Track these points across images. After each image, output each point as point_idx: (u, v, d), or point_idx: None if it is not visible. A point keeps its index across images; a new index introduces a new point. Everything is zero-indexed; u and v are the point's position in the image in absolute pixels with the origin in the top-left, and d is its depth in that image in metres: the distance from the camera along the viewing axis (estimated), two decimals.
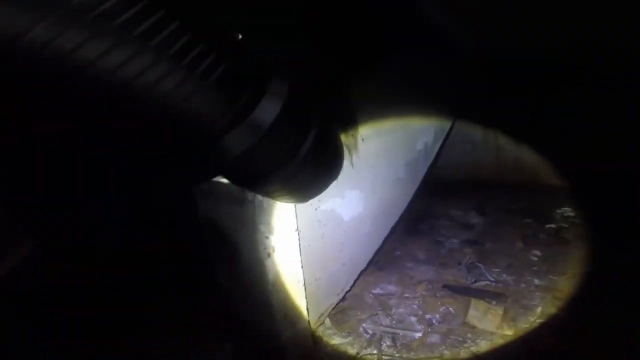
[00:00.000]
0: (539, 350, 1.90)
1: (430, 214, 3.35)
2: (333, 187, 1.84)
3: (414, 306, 2.33)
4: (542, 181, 3.47)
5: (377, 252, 2.49)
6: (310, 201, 1.72)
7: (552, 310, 2.14)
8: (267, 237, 1.46)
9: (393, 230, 2.54)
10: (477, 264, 2.62)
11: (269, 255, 1.48)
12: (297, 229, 1.61)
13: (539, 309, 2.16)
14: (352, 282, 2.33)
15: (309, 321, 1.72)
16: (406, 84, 2.56)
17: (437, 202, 3.52)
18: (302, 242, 1.70)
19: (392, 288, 2.51)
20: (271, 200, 1.43)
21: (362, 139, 2.10)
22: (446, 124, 2.98)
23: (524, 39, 2.50)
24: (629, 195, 2.87)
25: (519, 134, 3.58)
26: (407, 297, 2.41)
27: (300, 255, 1.66)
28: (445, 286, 2.45)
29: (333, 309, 2.24)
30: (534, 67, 3.12)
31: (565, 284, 2.32)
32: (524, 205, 3.25)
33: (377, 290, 2.49)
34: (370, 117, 2.18)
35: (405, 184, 2.58)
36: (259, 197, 1.39)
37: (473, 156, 3.88)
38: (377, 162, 2.29)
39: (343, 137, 1.99)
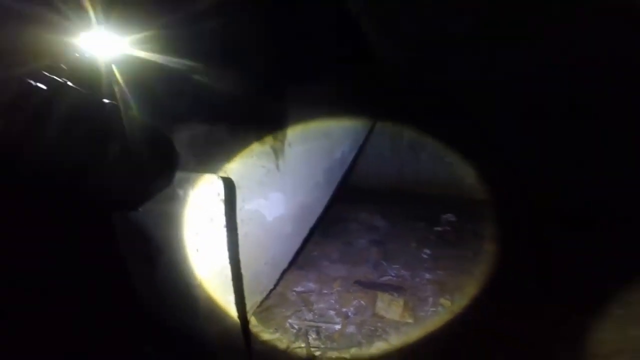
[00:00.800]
0: (436, 335, 2.29)
1: (341, 218, 3.71)
2: (257, 187, 1.97)
3: (332, 301, 2.59)
4: (433, 191, 4.16)
5: (298, 253, 2.65)
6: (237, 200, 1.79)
7: (442, 300, 2.61)
8: (196, 234, 1.47)
9: (312, 232, 2.74)
10: (381, 261, 3.03)
11: (197, 250, 1.49)
12: (226, 225, 1.58)
13: (430, 299, 2.64)
14: (275, 281, 2.45)
15: (238, 317, 1.74)
16: (334, 95, 2.81)
17: (348, 208, 3.91)
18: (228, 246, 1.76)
19: (311, 285, 2.74)
20: (204, 197, 1.44)
21: (289, 144, 2.25)
22: (361, 136, 3.34)
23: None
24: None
25: (418, 149, 4.22)
26: (325, 293, 2.67)
27: (231, 257, 1.71)
28: (356, 282, 2.77)
29: (258, 307, 2.35)
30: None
31: (450, 278, 2.86)
32: (418, 211, 3.85)
33: (299, 288, 2.69)
34: (299, 124, 2.35)
35: (322, 188, 2.79)
36: (191, 193, 1.41)
37: (381, 167, 4.41)
38: (300, 167, 2.43)
39: (271, 142, 2.12)
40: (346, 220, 3.71)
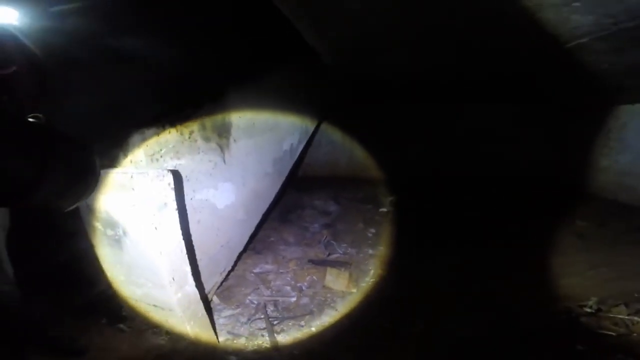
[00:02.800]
0: (374, 300, 2.66)
1: (298, 206, 4.02)
2: (206, 179, 2.22)
3: (288, 278, 2.91)
4: (379, 176, 4.57)
5: (253, 237, 2.92)
6: (186, 191, 2.05)
7: (379, 271, 3.03)
8: (153, 215, 1.65)
9: (265, 217, 3.02)
10: (332, 241, 3.38)
11: (155, 229, 1.65)
12: (177, 208, 1.77)
13: (371, 271, 3.02)
14: (232, 263, 2.71)
15: (195, 284, 1.91)
16: (278, 92, 3.07)
17: (304, 195, 4.24)
18: (188, 227, 1.99)
19: (269, 267, 3.04)
20: (157, 188, 1.67)
21: (234, 140, 2.49)
22: (310, 128, 3.63)
23: (373, 60, 3.29)
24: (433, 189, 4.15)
25: (365, 139, 4.61)
26: (282, 272, 2.98)
27: (182, 234, 1.84)
28: (309, 261, 3.11)
29: (218, 287, 2.61)
30: (379, 82, 4.07)
31: (388, 251, 3.27)
32: (366, 195, 4.24)
33: (257, 270, 2.98)
34: (242, 122, 2.57)
35: (273, 177, 3.04)
36: (148, 185, 1.63)
37: (333, 155, 4.76)
38: (248, 159, 2.67)
39: (217, 139, 2.36)
40: (302, 207, 4.03)
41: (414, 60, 3.15)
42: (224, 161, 2.36)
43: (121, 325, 2.07)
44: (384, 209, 3.96)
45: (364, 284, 2.86)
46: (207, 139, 2.19)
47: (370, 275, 2.97)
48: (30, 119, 1.44)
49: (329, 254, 3.21)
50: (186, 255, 1.80)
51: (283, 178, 3.17)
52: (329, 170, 4.70)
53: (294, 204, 4.03)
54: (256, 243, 3.29)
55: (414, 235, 3.44)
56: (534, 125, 4.48)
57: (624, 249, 2.97)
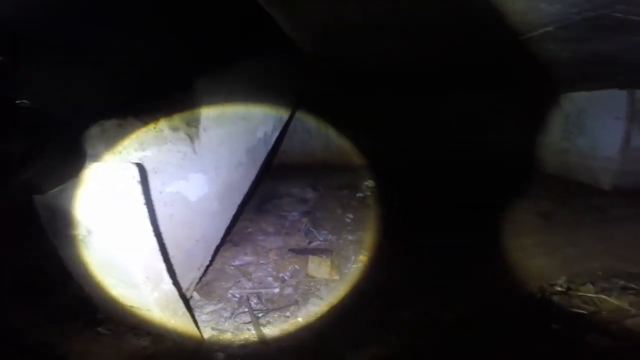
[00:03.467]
0: (359, 287, 2.64)
1: (275, 195, 3.94)
2: (176, 170, 2.10)
3: (269, 269, 2.84)
4: (355, 162, 4.55)
5: (229, 229, 2.81)
6: (154, 184, 1.93)
7: (361, 257, 3.01)
8: (118, 211, 1.56)
9: (241, 207, 2.91)
10: (311, 229, 3.34)
11: (122, 225, 1.57)
12: (145, 202, 1.68)
13: (352, 257, 3.01)
14: (210, 257, 2.60)
15: (172, 282, 1.84)
16: (250, 80, 2.95)
17: (281, 184, 4.15)
18: (157, 222, 1.86)
19: (248, 259, 2.95)
20: (120, 182, 1.57)
21: (204, 129, 2.36)
22: (285, 116, 3.53)
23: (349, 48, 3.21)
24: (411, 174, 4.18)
25: (340, 125, 4.56)
26: (262, 263, 2.90)
27: (152, 229, 1.72)
28: (290, 250, 3.05)
29: (197, 283, 2.51)
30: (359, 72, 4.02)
31: (367, 236, 3.26)
32: (343, 181, 4.22)
33: (236, 262, 2.89)
34: (212, 110, 2.44)
35: (247, 167, 2.92)
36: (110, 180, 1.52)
37: (309, 144, 4.69)
38: (220, 148, 2.55)
39: (185, 128, 2.23)
40: (280, 196, 3.95)
41: (390, 51, 3.11)
42: (194, 151, 2.23)
43: (99, 329, 1.95)
44: (361, 194, 3.95)
45: (346, 271, 2.85)
46: (174, 129, 2.06)
47: (352, 261, 2.96)
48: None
49: (309, 242, 3.17)
50: (159, 252, 1.69)
51: (258, 167, 3.06)
52: (305, 157, 4.64)
53: (271, 193, 3.94)
54: (234, 235, 3.19)
55: (391, 219, 3.46)
56: (505, 112, 4.64)
57: (586, 230, 3.16)
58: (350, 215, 3.58)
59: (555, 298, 2.30)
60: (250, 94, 2.84)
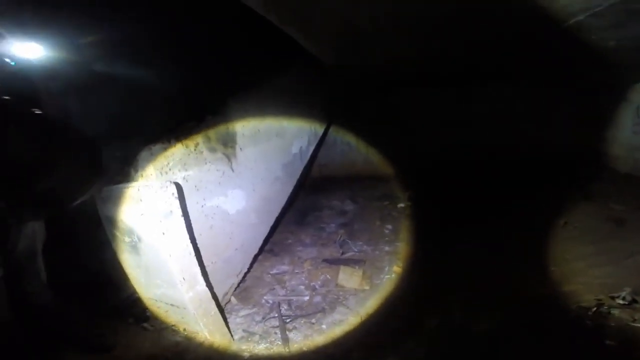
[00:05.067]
0: (388, 297, 2.67)
1: (316, 207, 4.11)
2: (215, 187, 2.36)
3: (302, 278, 3.00)
4: (396, 172, 4.54)
5: (267, 239, 3.04)
6: (196, 200, 2.21)
7: (395, 267, 3.03)
8: (160, 221, 1.82)
9: (278, 219, 3.13)
10: (347, 240, 3.43)
11: (163, 234, 1.82)
12: (182, 215, 1.92)
13: (386, 268, 3.03)
14: (248, 265, 2.84)
15: (206, 284, 2.05)
16: (280, 97, 3.17)
17: (322, 197, 4.31)
18: (193, 232, 2.10)
19: (285, 268, 3.14)
20: (158, 197, 1.84)
21: (240, 149, 2.61)
22: (319, 129, 3.70)
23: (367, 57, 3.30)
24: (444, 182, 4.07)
25: (377, 135, 4.59)
26: (297, 272, 3.07)
27: (189, 237, 1.98)
28: (324, 260, 3.18)
29: (236, 288, 2.76)
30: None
31: (404, 248, 3.26)
32: (384, 192, 4.24)
33: (274, 271, 3.10)
34: (247, 130, 2.68)
35: (283, 181, 3.15)
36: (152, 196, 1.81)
37: (349, 155, 4.80)
38: (256, 165, 2.79)
39: (222, 149, 2.49)
40: (320, 208, 4.11)
41: (407, 51, 3.12)
42: (232, 169, 2.50)
43: (145, 325, 2.27)
44: (402, 205, 3.94)
45: (378, 281, 2.88)
46: (212, 150, 2.34)
47: (385, 272, 2.98)
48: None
49: (343, 253, 3.26)
50: (194, 257, 1.95)
51: (294, 181, 3.27)
52: (346, 169, 4.75)
53: (312, 205, 4.12)
54: (274, 245, 3.42)
55: (432, 228, 3.39)
56: (562, 107, 4.27)
57: None
58: (389, 226, 3.60)
59: (615, 311, 2.07)
60: (282, 111, 3.08)
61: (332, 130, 4.62)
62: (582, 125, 4.17)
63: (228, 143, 2.46)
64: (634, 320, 1.97)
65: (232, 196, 2.51)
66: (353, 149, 4.74)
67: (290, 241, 3.54)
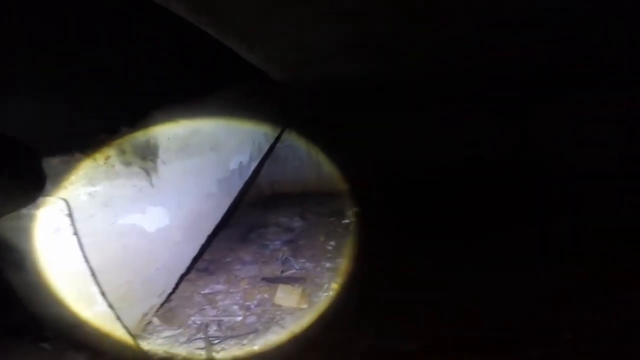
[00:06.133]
0: (325, 315, 2.59)
1: (262, 224, 3.99)
2: (130, 204, 2.24)
3: (237, 297, 2.86)
4: (347, 188, 4.50)
5: (197, 257, 2.90)
6: (104, 217, 2.07)
7: (335, 285, 2.95)
8: (47, 239, 1.72)
9: (211, 237, 3.00)
10: (289, 257, 3.33)
11: (51, 252, 1.71)
12: (74, 233, 1.82)
13: (326, 285, 2.95)
14: (172, 285, 2.68)
15: (107, 305, 1.94)
16: (220, 110, 3.04)
17: (270, 213, 4.22)
18: (99, 251, 1.97)
19: (219, 287, 3.00)
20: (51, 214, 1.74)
21: (164, 162, 2.47)
22: (264, 144, 3.63)
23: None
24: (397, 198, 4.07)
25: (331, 151, 4.57)
26: (232, 292, 2.94)
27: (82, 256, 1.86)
28: (262, 278, 3.06)
29: (159, 309, 2.59)
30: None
31: (345, 264, 3.19)
32: (334, 208, 4.19)
33: (206, 291, 2.95)
34: (173, 143, 2.55)
35: (218, 198, 3.01)
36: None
37: (301, 172, 4.74)
38: (183, 181, 2.65)
39: (140, 162, 2.35)
40: (266, 225, 4.00)
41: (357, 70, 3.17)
42: (152, 184, 2.38)
43: (44, 345, 2.07)
44: (346, 221, 3.90)
45: (316, 300, 2.80)
46: (127, 164, 2.23)
47: (325, 289, 2.90)
48: None
49: (283, 271, 3.16)
50: (91, 277, 1.81)
51: (233, 197, 3.17)
52: (298, 186, 4.68)
53: (258, 222, 4.01)
54: (209, 264, 3.28)
55: (374, 245, 3.35)
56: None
57: None
58: (332, 243, 3.54)
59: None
60: (219, 125, 3.00)
61: (284, 146, 4.57)
62: None
63: (147, 156, 2.35)
64: None
65: (151, 213, 2.38)
66: (306, 165, 4.69)
67: (229, 259, 3.40)
